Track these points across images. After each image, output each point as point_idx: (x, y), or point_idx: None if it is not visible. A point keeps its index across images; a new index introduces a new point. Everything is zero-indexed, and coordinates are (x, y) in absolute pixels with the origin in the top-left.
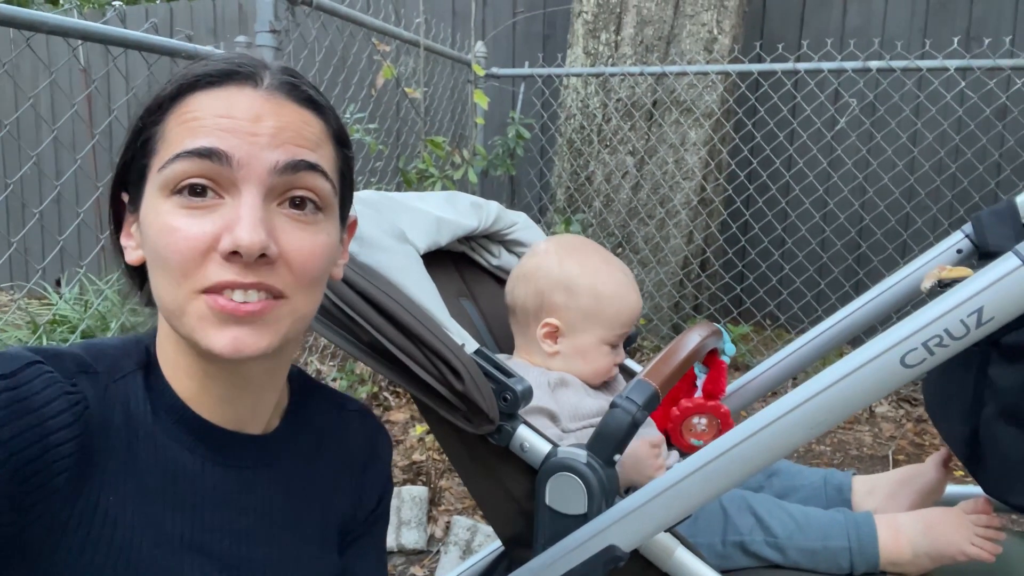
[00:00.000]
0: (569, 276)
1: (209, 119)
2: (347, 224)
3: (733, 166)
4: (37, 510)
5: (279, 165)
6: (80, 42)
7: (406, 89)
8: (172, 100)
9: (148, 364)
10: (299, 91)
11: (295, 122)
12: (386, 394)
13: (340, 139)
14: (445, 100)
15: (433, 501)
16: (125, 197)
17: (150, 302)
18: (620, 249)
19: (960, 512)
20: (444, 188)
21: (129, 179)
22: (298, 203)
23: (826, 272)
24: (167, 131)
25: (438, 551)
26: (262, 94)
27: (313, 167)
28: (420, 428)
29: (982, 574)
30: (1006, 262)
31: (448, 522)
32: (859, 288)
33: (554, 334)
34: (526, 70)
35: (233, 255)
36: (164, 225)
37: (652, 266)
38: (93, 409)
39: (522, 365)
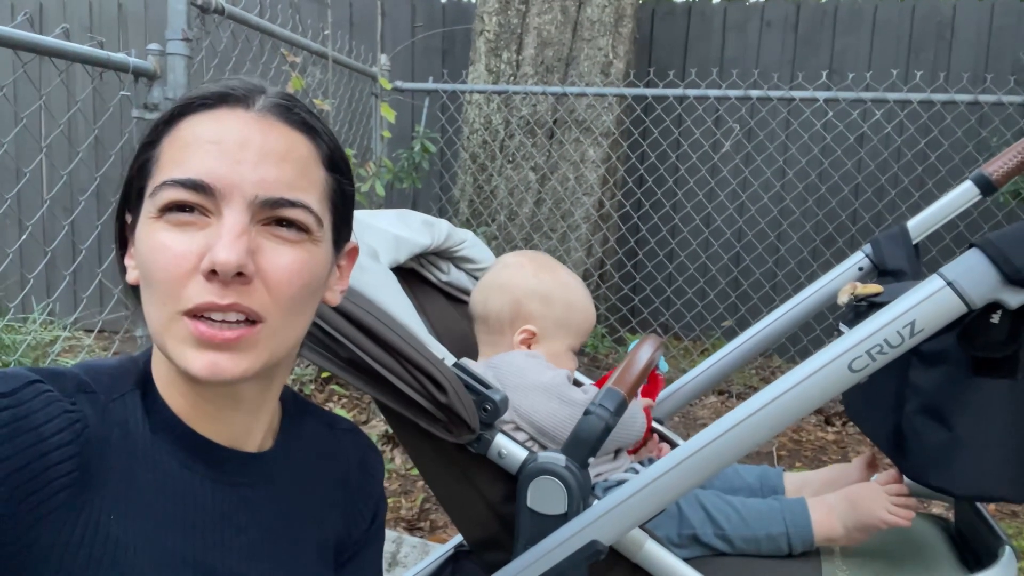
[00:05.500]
0: (546, 287)
1: (197, 145)
2: (345, 250)
3: (630, 183)
4: (37, 530)
5: (258, 200)
6: None
7: (315, 100)
8: (167, 123)
9: (145, 383)
10: (291, 113)
11: (282, 146)
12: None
13: (333, 164)
14: (343, 112)
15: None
16: (128, 218)
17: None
18: None
19: (875, 485)
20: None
21: (130, 199)
22: (284, 223)
23: (714, 284)
24: (161, 155)
25: None
26: (252, 116)
27: (292, 204)
28: None
29: (894, 551)
30: (933, 283)
31: None
32: (743, 299)
33: (529, 340)
34: (431, 85)
35: (212, 274)
36: (154, 242)
37: None
38: (92, 428)
39: (532, 362)
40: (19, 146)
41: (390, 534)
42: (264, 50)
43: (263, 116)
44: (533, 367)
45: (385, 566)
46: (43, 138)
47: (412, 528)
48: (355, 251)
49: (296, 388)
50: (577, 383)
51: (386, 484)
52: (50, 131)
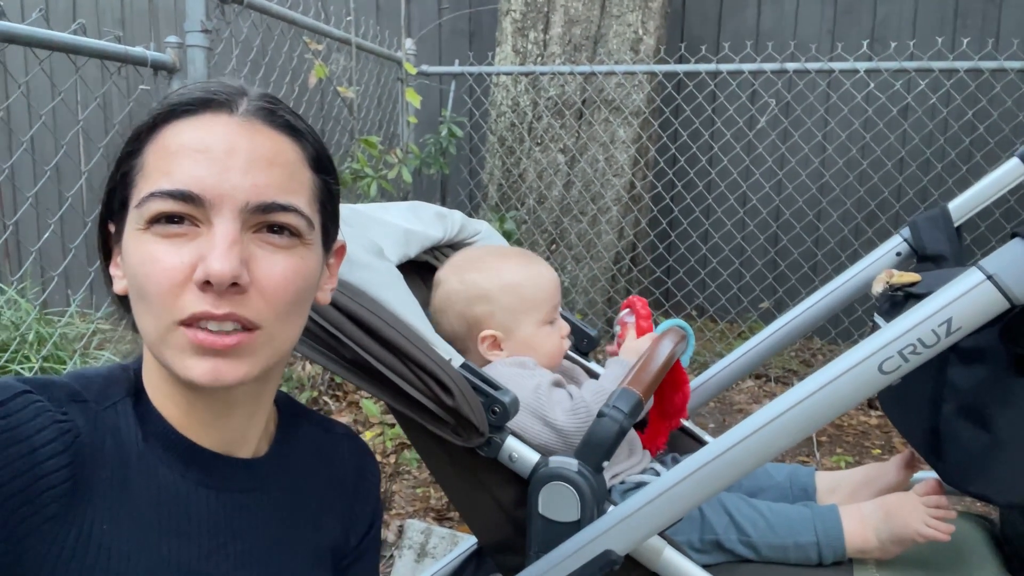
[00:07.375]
0: (476, 288)
1: (183, 154)
2: (333, 248)
3: (662, 163)
4: (29, 541)
5: (249, 206)
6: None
7: (339, 88)
8: (150, 131)
9: (137, 391)
10: (276, 117)
11: (269, 151)
12: (326, 398)
13: (320, 165)
14: (368, 98)
15: (383, 505)
16: (112, 227)
17: (135, 329)
18: (554, 246)
19: (914, 496)
20: (379, 188)
21: (113, 209)
22: (275, 229)
23: (750, 264)
24: (145, 164)
25: (392, 556)
26: (237, 121)
27: (284, 208)
28: (369, 433)
29: (933, 558)
30: (971, 276)
31: (401, 526)
32: (780, 280)
33: (496, 343)
34: (457, 68)
35: (206, 284)
36: (144, 255)
37: (586, 262)
38: (84, 437)
39: (515, 371)
40: (56, 145)
41: (419, 524)
42: (287, 39)
43: (248, 120)
44: (515, 380)
45: (414, 556)
46: (79, 135)
47: (441, 518)
48: (343, 249)
49: (327, 378)
50: (575, 361)
51: (415, 473)
52: (87, 128)
